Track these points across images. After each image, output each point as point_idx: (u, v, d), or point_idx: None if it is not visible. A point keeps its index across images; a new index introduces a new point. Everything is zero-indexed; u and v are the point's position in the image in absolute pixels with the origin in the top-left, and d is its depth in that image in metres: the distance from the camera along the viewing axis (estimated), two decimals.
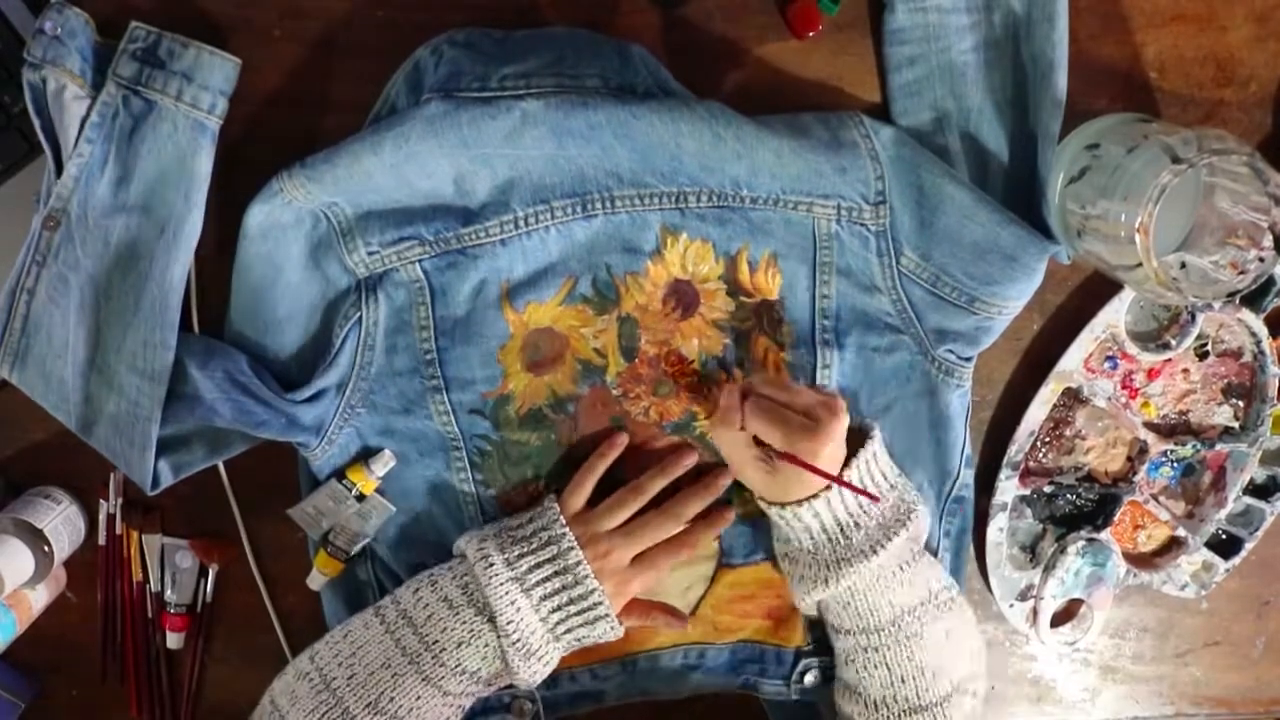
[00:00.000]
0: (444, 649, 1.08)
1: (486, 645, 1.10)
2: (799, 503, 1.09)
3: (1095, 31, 1.18)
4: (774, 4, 1.15)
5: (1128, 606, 1.35)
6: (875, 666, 1.12)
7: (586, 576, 1.11)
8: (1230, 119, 1.22)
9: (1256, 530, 1.31)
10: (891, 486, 1.13)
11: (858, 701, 1.14)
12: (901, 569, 1.11)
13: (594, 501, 1.17)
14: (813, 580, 1.12)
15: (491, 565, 1.10)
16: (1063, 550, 1.29)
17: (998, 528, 1.27)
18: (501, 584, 1.09)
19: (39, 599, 1.23)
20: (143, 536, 1.24)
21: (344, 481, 1.17)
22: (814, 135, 1.13)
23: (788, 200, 1.14)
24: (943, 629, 1.14)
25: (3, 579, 1.12)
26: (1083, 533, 1.29)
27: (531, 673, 1.11)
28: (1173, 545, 1.34)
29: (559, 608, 1.11)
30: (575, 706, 1.26)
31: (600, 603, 1.11)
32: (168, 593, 1.25)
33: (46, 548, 1.17)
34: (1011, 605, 1.30)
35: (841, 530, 1.10)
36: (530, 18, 1.11)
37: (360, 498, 1.18)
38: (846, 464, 1.10)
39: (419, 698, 1.08)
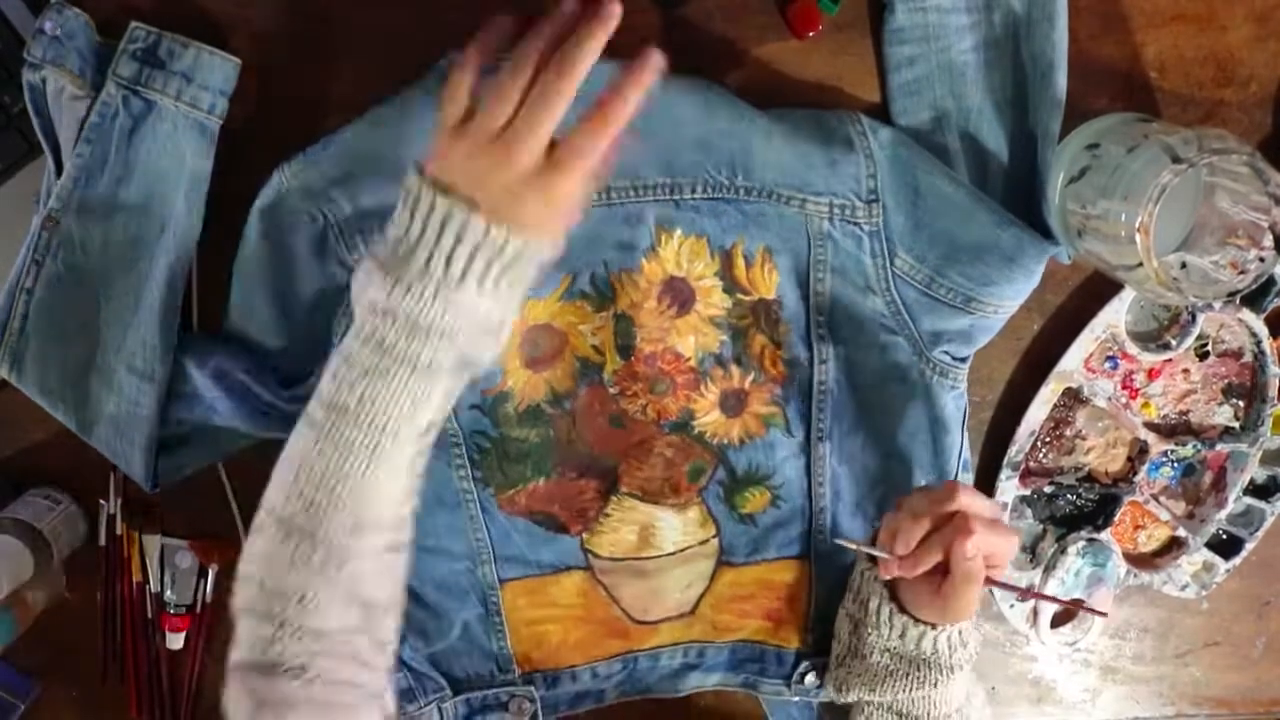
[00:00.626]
0: (396, 424, 0.91)
1: (438, 398, 0.93)
2: (940, 625, 1.07)
3: (1095, 31, 1.18)
4: (774, 4, 1.15)
5: (1128, 607, 1.35)
6: None
7: (463, 213, 0.88)
8: (1230, 119, 1.21)
9: (1257, 530, 1.31)
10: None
11: None
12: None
13: None
14: (919, 680, 1.09)
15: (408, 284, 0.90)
16: (1063, 550, 1.29)
17: None
18: (421, 295, 0.89)
19: (39, 599, 1.23)
20: (142, 537, 1.24)
21: None
22: (806, 126, 1.13)
23: (780, 194, 1.13)
24: (981, 699, 1.16)
25: (2, 579, 1.12)
26: (1083, 533, 1.29)
27: (488, 350, 0.95)
28: (1173, 545, 1.34)
29: (470, 262, 0.89)
30: (575, 706, 1.26)
31: (523, 248, 0.90)
32: (167, 593, 1.25)
33: (47, 548, 1.17)
34: (1012, 606, 1.30)
35: (962, 639, 1.08)
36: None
37: None
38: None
39: (393, 479, 0.93)
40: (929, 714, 1.11)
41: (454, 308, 0.89)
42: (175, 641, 1.26)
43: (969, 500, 1.00)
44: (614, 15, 0.89)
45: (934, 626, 1.06)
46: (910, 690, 1.09)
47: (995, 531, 1.01)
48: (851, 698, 1.15)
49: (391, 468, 0.92)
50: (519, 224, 0.89)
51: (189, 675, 1.28)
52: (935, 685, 1.08)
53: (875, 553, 1.06)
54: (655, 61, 0.90)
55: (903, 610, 1.08)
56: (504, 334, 0.94)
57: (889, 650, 1.10)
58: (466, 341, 0.91)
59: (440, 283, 0.88)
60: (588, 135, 0.90)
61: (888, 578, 1.06)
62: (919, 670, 1.09)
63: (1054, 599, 1.17)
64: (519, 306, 0.94)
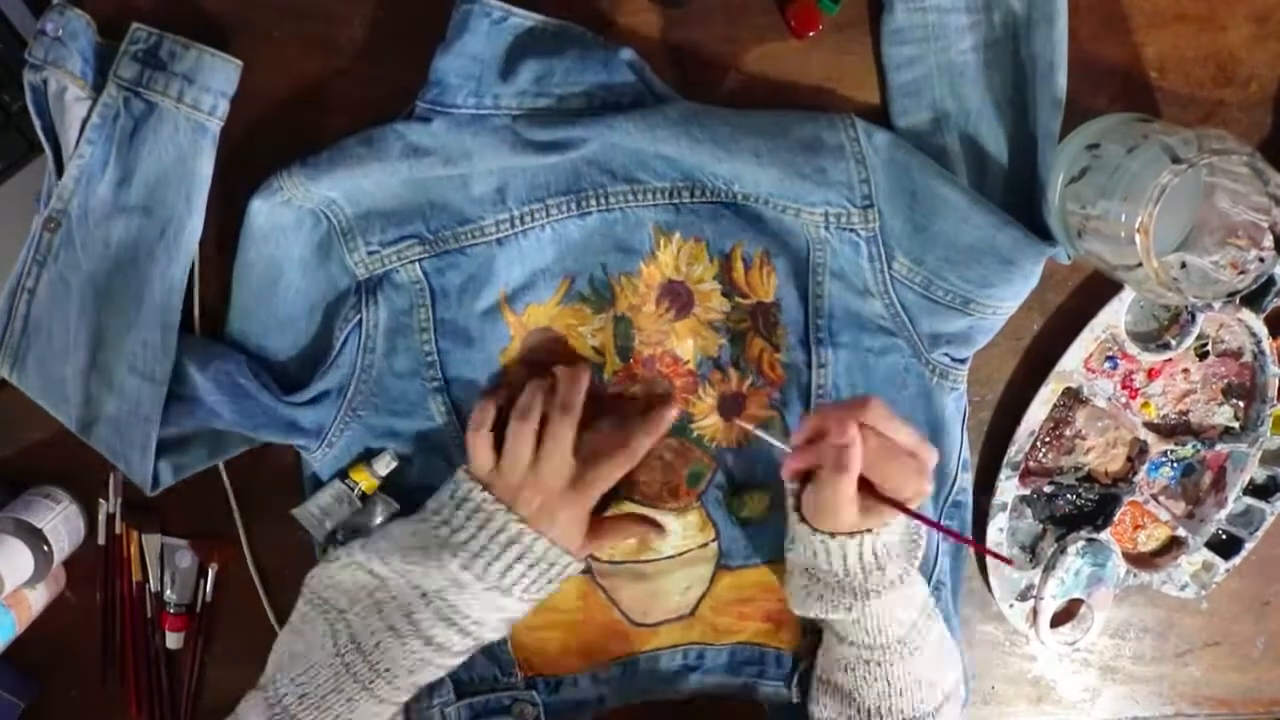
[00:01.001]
0: (396, 675, 1.08)
1: (438, 666, 1.10)
2: (850, 534, 1.03)
3: (1095, 31, 1.18)
4: (774, 4, 1.15)
5: (1128, 607, 1.35)
6: (875, 679, 1.10)
7: (523, 533, 1.08)
8: (1230, 119, 1.21)
9: (1256, 530, 1.31)
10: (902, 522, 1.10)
11: (849, 705, 1.13)
12: (911, 584, 1.09)
13: None
14: (833, 604, 1.08)
15: (447, 574, 1.08)
16: (1063, 550, 1.29)
17: (998, 528, 1.27)
18: (459, 590, 1.08)
19: (39, 599, 1.23)
20: (142, 536, 1.24)
21: (347, 481, 1.17)
22: (796, 135, 1.13)
23: (777, 203, 1.14)
24: (936, 637, 1.13)
25: (2, 579, 1.12)
26: (1083, 533, 1.29)
27: (498, 635, 1.13)
28: (1173, 545, 1.34)
29: (511, 572, 1.09)
30: (577, 710, 1.26)
31: (548, 550, 1.09)
32: (167, 593, 1.25)
33: (46, 547, 1.17)
34: (1011, 605, 1.30)
35: (877, 562, 1.05)
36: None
37: (363, 498, 1.18)
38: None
39: (375, 715, 1.09)
40: (863, 641, 1.09)
41: (492, 609, 1.09)
42: (175, 641, 1.26)
43: (876, 415, 1.00)
44: (586, 375, 1.14)
45: (831, 536, 1.04)
46: (825, 611, 1.09)
47: (890, 446, 1.00)
48: (797, 610, 1.14)
49: (381, 703, 1.08)
50: (557, 538, 1.10)
51: (189, 675, 1.28)
52: (849, 609, 1.07)
53: (766, 438, 1.10)
54: (671, 415, 1.16)
55: (803, 519, 1.07)
56: (506, 629, 1.14)
57: (806, 570, 1.10)
58: (488, 632, 1.11)
59: (491, 588, 1.09)
60: (610, 466, 1.12)
61: (785, 476, 1.07)
62: (832, 592, 1.08)
63: (993, 552, 1.15)
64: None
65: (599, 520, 1.15)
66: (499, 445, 1.12)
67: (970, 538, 1.22)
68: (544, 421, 1.12)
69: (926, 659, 1.11)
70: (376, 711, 1.08)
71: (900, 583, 1.06)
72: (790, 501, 1.09)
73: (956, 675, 1.17)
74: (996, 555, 1.15)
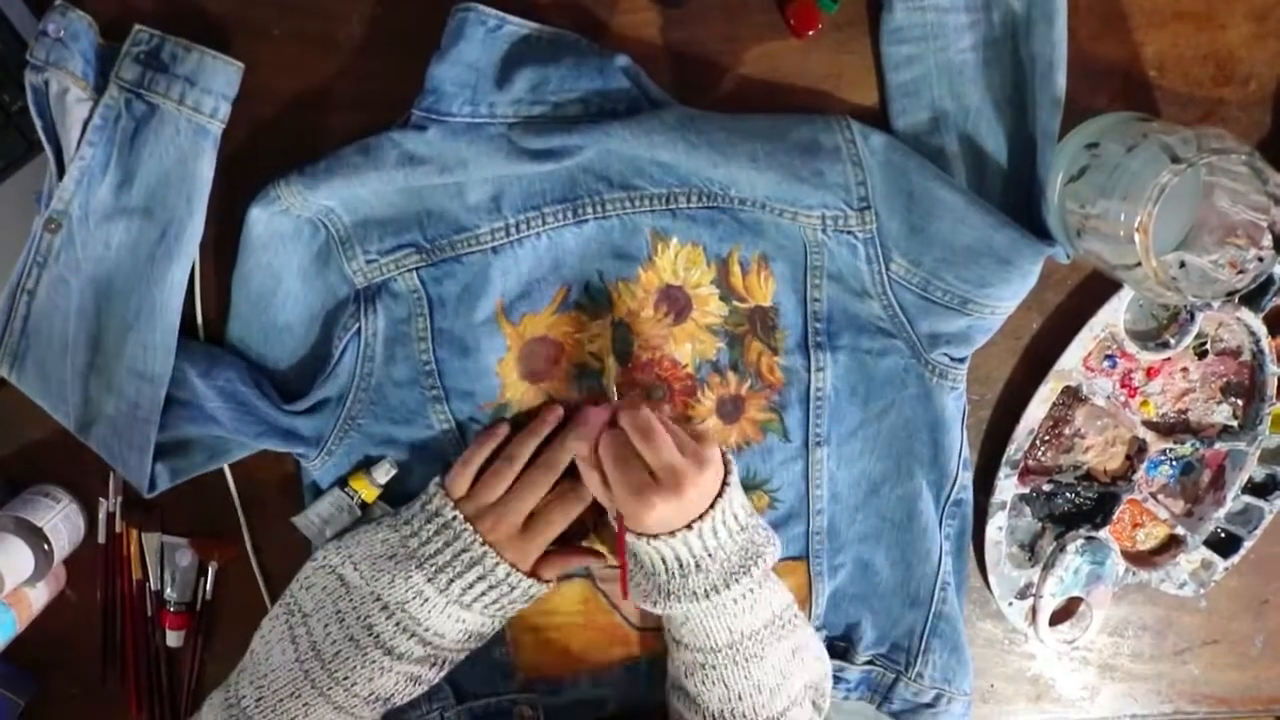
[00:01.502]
0: (355, 683, 1.10)
1: (398, 674, 1.11)
2: (652, 536, 1.05)
3: (1094, 30, 1.18)
4: (773, 3, 1.15)
5: (1126, 605, 1.35)
6: (713, 683, 1.10)
7: (486, 554, 1.11)
8: (1229, 118, 1.21)
9: (1255, 529, 1.31)
10: (742, 529, 1.09)
11: (694, 710, 1.13)
12: (743, 598, 1.08)
13: None
14: (650, 596, 1.09)
15: (411, 587, 1.11)
16: (1062, 549, 1.29)
17: (997, 526, 1.27)
18: (421, 603, 1.11)
19: (39, 597, 1.23)
20: (142, 535, 1.24)
21: (346, 489, 1.17)
22: (792, 138, 1.13)
23: (773, 207, 1.14)
24: (789, 647, 1.13)
25: (3, 577, 1.12)
26: (1082, 531, 1.29)
27: (467, 646, 1.17)
28: (1172, 544, 1.34)
29: (471, 590, 1.12)
30: (579, 716, 1.26)
31: (509, 574, 1.13)
32: (167, 591, 1.25)
33: (46, 546, 1.17)
34: (1011, 603, 1.30)
35: (681, 568, 1.06)
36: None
37: (363, 506, 1.18)
38: (701, 516, 1.05)
39: (331, 713, 1.10)
40: (694, 644, 1.10)
41: (453, 622, 1.13)
42: (175, 640, 1.26)
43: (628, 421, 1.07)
44: (592, 433, 1.11)
45: (637, 536, 1.06)
46: (646, 603, 1.10)
47: (632, 471, 1.05)
48: (634, 601, 1.14)
49: (338, 710, 1.10)
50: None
51: (189, 673, 1.28)
52: (657, 606, 1.08)
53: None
54: (554, 418, 1.19)
55: (616, 515, 1.10)
56: (486, 637, 1.18)
57: (634, 559, 1.11)
58: (450, 642, 1.14)
59: (452, 602, 1.12)
60: (560, 512, 1.16)
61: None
62: (654, 589, 1.09)
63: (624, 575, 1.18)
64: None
65: (545, 554, 1.18)
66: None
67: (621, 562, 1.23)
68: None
69: (767, 666, 1.10)
70: (332, 718, 1.10)
71: (707, 596, 1.06)
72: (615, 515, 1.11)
73: (808, 681, 1.16)
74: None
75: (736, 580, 1.07)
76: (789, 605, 1.14)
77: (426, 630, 1.11)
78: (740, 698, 1.10)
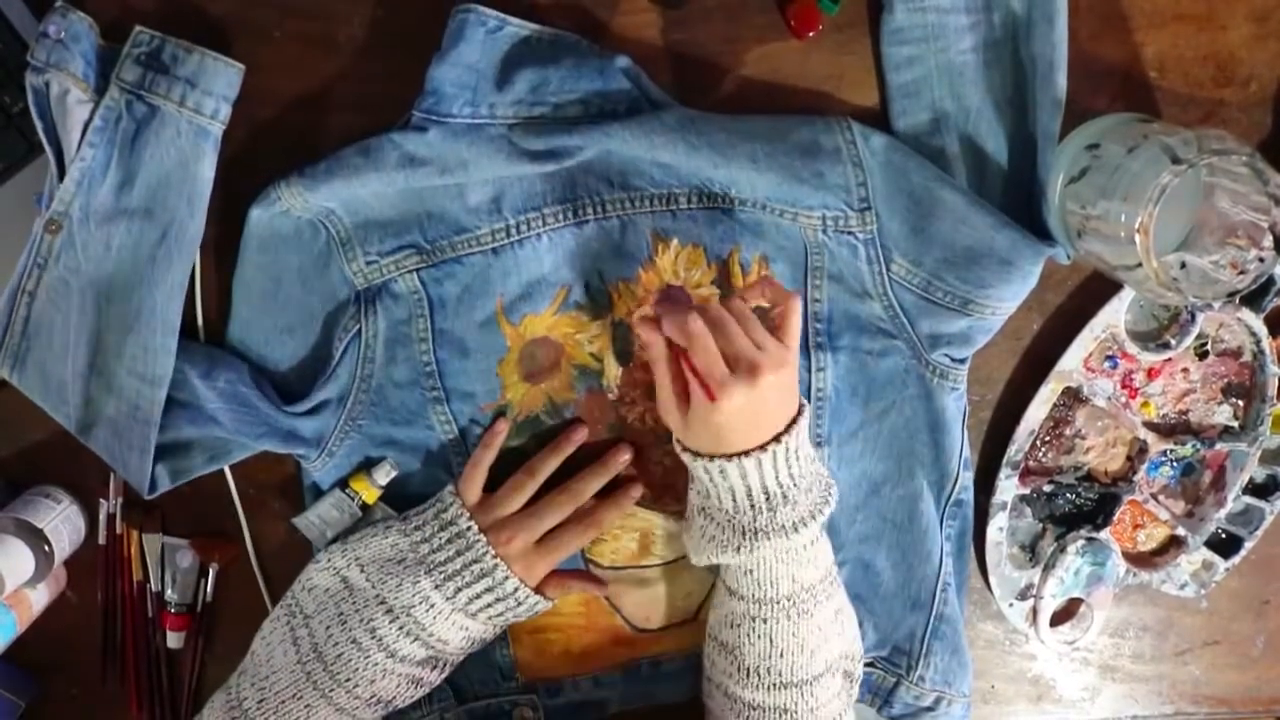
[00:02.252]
0: (356, 685, 1.10)
1: (400, 675, 1.12)
2: (729, 457, 1.01)
3: (1095, 31, 1.18)
4: (774, 4, 1.15)
5: (1127, 606, 1.35)
6: (759, 636, 1.09)
7: (497, 567, 1.12)
8: (1230, 119, 1.21)
9: (1256, 529, 1.31)
10: (813, 459, 1.08)
11: (731, 661, 1.12)
12: (813, 543, 1.08)
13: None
14: (723, 544, 1.06)
15: (419, 593, 1.12)
16: (1062, 549, 1.29)
17: (998, 527, 1.27)
18: (427, 609, 1.12)
19: (39, 598, 1.23)
20: (143, 536, 1.24)
21: (347, 491, 1.18)
22: (793, 139, 1.13)
23: (774, 208, 1.14)
24: (834, 608, 1.12)
25: (3, 578, 1.12)
26: (1082, 532, 1.29)
27: (467, 651, 1.18)
28: (1172, 545, 1.34)
29: (478, 600, 1.13)
30: (579, 715, 1.26)
31: (517, 588, 1.13)
32: (168, 592, 1.25)
33: (47, 547, 1.17)
34: (1011, 604, 1.30)
35: (768, 499, 1.03)
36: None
37: (364, 507, 1.18)
38: (785, 431, 1.03)
39: (332, 715, 1.11)
40: (752, 594, 1.08)
41: (457, 629, 1.13)
42: (175, 641, 1.26)
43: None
44: (618, 464, 1.19)
45: (711, 459, 1.03)
46: (718, 553, 1.07)
47: (714, 355, 1.00)
48: (693, 558, 1.13)
49: (339, 711, 1.11)
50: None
51: (189, 674, 1.28)
52: (738, 550, 1.05)
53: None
54: (635, 494, 1.21)
55: (684, 448, 1.07)
56: (487, 640, 1.20)
57: (701, 509, 1.10)
58: (453, 648, 1.15)
59: (458, 610, 1.12)
60: (574, 537, 1.17)
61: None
62: (723, 531, 1.06)
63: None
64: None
65: (551, 572, 1.18)
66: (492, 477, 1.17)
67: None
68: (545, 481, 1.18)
69: (814, 625, 1.09)
70: (335, 715, 1.10)
71: (795, 530, 1.04)
72: (675, 437, 1.09)
73: (850, 649, 1.15)
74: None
75: (818, 515, 1.06)
76: (834, 563, 1.14)
77: (430, 635, 1.11)
78: (782, 655, 1.09)
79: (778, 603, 1.08)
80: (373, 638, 1.10)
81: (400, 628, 1.10)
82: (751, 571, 1.07)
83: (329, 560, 1.15)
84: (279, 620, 1.14)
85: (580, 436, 1.19)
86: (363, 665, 1.10)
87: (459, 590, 1.11)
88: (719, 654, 1.14)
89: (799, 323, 1.05)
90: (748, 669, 1.10)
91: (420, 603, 1.10)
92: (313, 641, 1.10)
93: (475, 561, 1.12)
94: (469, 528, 1.13)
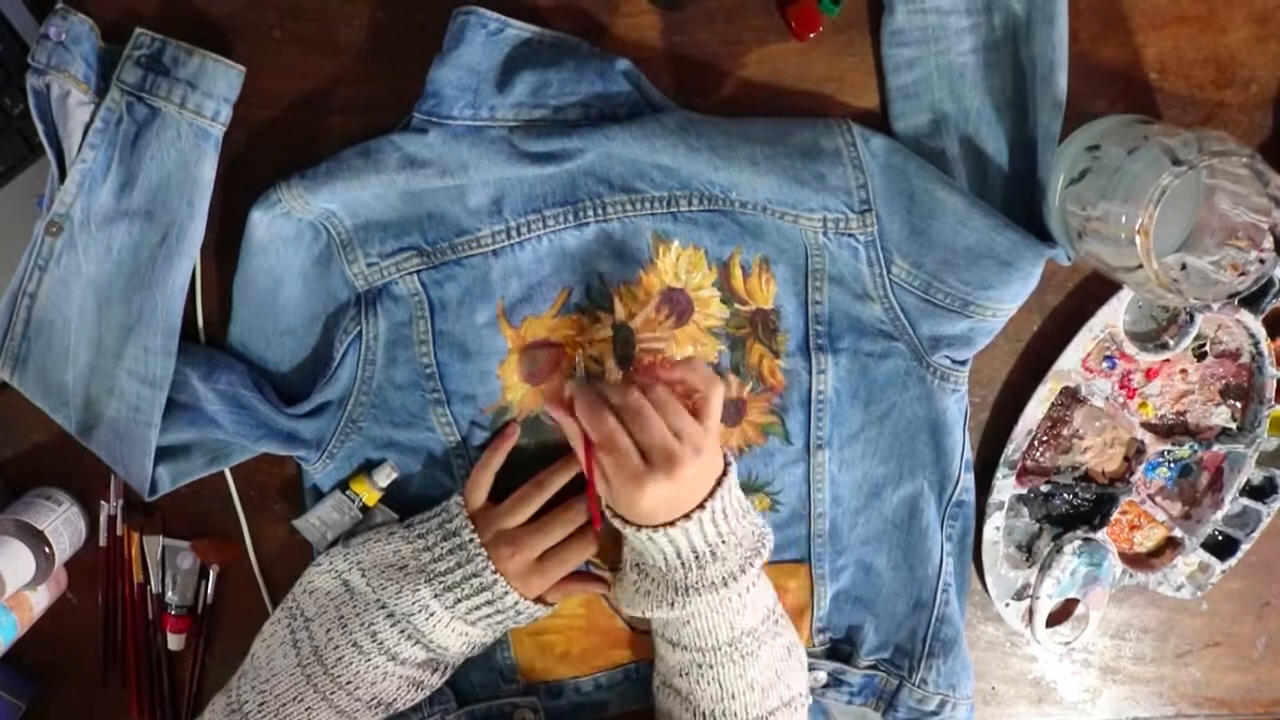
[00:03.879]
0: (357, 687, 1.11)
1: (401, 678, 1.13)
2: (655, 527, 1.05)
3: (1096, 33, 1.18)
4: (774, 5, 1.15)
5: (1128, 607, 1.35)
6: (708, 682, 1.11)
7: (497, 582, 1.12)
8: (1231, 120, 1.22)
9: (1253, 532, 1.31)
10: (745, 511, 1.11)
11: (686, 709, 1.13)
12: (748, 590, 1.10)
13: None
14: (658, 599, 1.09)
15: (418, 601, 1.12)
16: (1059, 550, 1.29)
17: (994, 526, 1.27)
18: (427, 617, 1.12)
19: (40, 600, 1.23)
20: (143, 537, 1.24)
21: (347, 493, 1.18)
22: (793, 141, 1.13)
23: (775, 210, 1.14)
24: (784, 644, 1.14)
25: (4, 580, 1.12)
26: (1079, 532, 1.29)
27: (468, 655, 1.19)
28: (1169, 546, 1.34)
29: (477, 610, 1.13)
30: (579, 716, 1.27)
31: (516, 602, 1.14)
32: (168, 594, 1.25)
33: (47, 549, 1.17)
34: (1007, 604, 1.31)
35: (697, 559, 1.06)
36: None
37: (364, 509, 1.18)
38: (709, 496, 1.06)
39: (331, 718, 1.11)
40: (693, 644, 1.10)
41: (457, 635, 1.14)
42: (175, 643, 1.26)
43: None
44: (586, 415, 1.10)
45: (638, 529, 1.06)
46: (652, 608, 1.09)
47: (622, 450, 1.03)
48: (626, 611, 1.16)
49: (340, 714, 1.11)
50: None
51: (190, 676, 1.28)
52: (673, 606, 1.07)
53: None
54: None
55: (615, 514, 1.09)
56: (487, 644, 1.20)
57: (635, 565, 1.12)
58: (454, 653, 1.16)
59: (457, 619, 1.13)
60: (575, 553, 1.17)
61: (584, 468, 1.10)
62: (658, 588, 1.09)
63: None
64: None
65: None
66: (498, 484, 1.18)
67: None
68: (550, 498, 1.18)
69: (762, 665, 1.12)
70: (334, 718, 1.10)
71: (725, 585, 1.07)
72: (603, 501, 1.10)
73: (799, 687, 1.17)
74: None
75: (750, 565, 1.08)
76: (776, 602, 1.16)
77: (430, 640, 1.12)
78: (733, 696, 1.11)
79: (719, 649, 1.10)
80: (373, 640, 1.10)
81: (401, 631, 1.11)
82: (689, 623, 1.09)
83: (330, 563, 1.15)
84: (279, 623, 1.14)
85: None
86: (363, 668, 1.10)
87: (458, 601, 1.11)
88: (671, 700, 1.15)
89: (720, 405, 1.08)
90: (702, 713, 1.12)
91: (420, 610, 1.11)
92: (313, 644, 1.10)
93: (475, 575, 1.12)
94: (471, 540, 1.13)
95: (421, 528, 1.15)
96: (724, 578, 1.07)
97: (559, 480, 1.18)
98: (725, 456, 1.10)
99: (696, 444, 1.03)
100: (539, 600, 1.16)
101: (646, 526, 1.05)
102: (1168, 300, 1.06)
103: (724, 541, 1.07)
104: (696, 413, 1.06)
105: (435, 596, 1.11)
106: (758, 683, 1.11)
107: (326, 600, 1.12)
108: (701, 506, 1.04)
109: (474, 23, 1.09)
